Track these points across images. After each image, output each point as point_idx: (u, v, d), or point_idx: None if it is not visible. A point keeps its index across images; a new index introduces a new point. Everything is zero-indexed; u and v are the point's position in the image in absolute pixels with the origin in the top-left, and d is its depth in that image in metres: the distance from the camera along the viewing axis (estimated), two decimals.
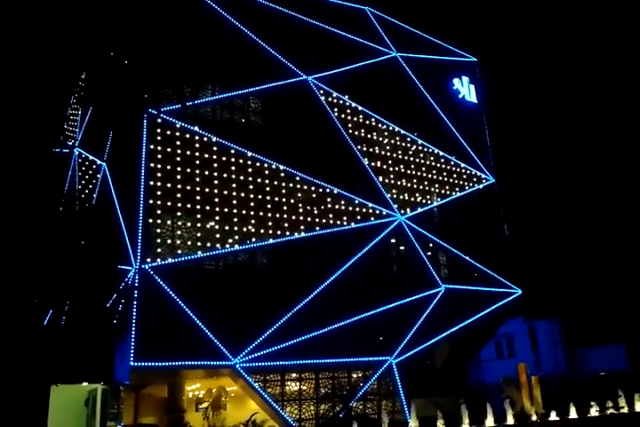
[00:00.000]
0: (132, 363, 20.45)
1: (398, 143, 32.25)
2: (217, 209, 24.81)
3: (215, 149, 25.37)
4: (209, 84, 26.76)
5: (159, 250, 22.97)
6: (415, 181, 32.11)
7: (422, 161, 33.04)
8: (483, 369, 34.46)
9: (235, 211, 25.13)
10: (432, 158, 33.38)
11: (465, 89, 36.73)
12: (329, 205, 27.73)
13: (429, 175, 32.89)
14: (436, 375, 29.18)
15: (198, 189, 24.45)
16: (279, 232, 25.74)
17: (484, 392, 24.69)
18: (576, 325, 39.07)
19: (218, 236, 24.47)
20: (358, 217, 28.34)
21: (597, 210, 48.66)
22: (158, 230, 23.27)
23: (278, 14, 30.18)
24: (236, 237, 24.79)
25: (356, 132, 30.29)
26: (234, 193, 25.31)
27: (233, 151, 25.76)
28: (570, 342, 37.83)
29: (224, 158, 25.46)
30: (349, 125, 30.09)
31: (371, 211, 28.92)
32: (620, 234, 47.17)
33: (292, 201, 27.17)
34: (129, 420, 22.12)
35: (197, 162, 24.73)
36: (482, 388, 28.35)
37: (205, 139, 25.24)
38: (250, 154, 26.08)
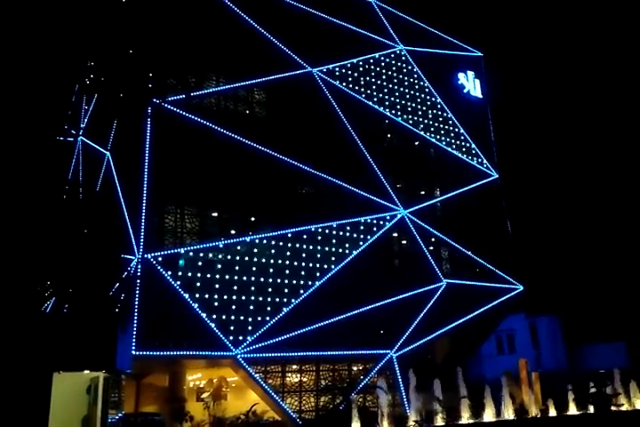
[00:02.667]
0: (133, 352, 20.50)
1: (402, 137, 32.17)
2: (220, 200, 24.81)
3: (219, 139, 25.33)
4: (213, 75, 26.72)
5: (161, 240, 22.99)
6: (418, 175, 32.06)
7: (426, 155, 32.98)
8: (483, 364, 34.41)
9: (238, 202, 25.11)
10: (436, 153, 33.31)
11: (470, 84, 36.63)
12: (332, 198, 27.68)
13: (433, 170, 32.83)
14: (436, 370, 29.18)
15: (201, 179, 24.43)
16: (281, 224, 25.69)
17: (484, 387, 24.64)
18: (577, 322, 39.04)
19: (220, 226, 24.46)
20: (361, 210, 28.28)
21: (600, 207, 48.56)
22: (161, 220, 23.28)
23: (284, 6, 30.06)
24: (239, 228, 24.79)
25: (360, 125, 30.18)
26: (236, 184, 25.29)
27: (236, 142, 25.70)
28: (571, 339, 37.80)
29: (227, 149, 25.40)
30: (353, 118, 29.98)
31: (374, 204, 28.87)
32: (622, 232, 47.09)
33: (296, 193, 27.15)
34: (130, 408, 22.18)
35: (201, 152, 24.69)
36: (482, 383, 28.27)
37: (209, 129, 25.18)
38: (254, 145, 26.03)
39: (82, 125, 29.76)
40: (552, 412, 25.58)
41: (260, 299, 23.96)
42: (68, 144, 29.03)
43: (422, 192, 31.84)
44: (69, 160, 29.21)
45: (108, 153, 26.39)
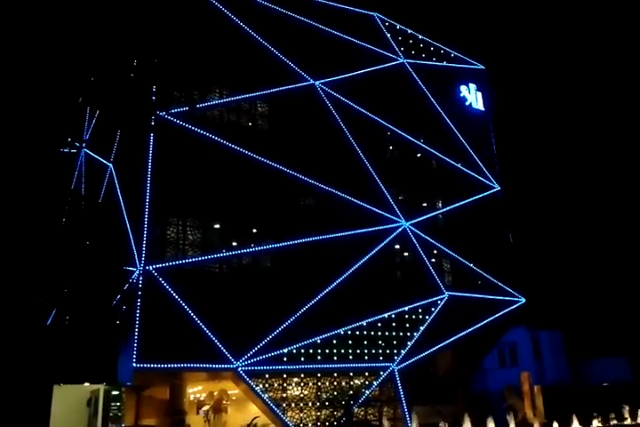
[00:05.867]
0: (134, 364, 20.43)
1: (404, 149, 32.26)
2: (222, 212, 24.87)
3: (222, 152, 25.43)
4: (217, 88, 26.88)
5: (164, 252, 23.02)
6: (420, 187, 32.10)
7: (428, 167, 33.03)
8: (485, 377, 34.20)
9: (240, 214, 25.15)
10: (437, 165, 33.37)
11: (472, 96, 36.77)
12: (334, 210, 27.71)
13: (435, 182, 32.86)
14: (438, 383, 29.04)
15: (204, 191, 24.51)
16: (283, 236, 25.71)
17: (487, 401, 24.50)
18: (580, 335, 38.83)
19: (222, 238, 24.48)
20: (363, 222, 28.27)
21: (603, 220, 48.52)
22: (163, 232, 23.32)
23: (287, 19, 30.30)
24: (241, 241, 24.81)
25: (363, 138, 30.28)
26: (239, 196, 25.36)
27: (239, 154, 25.81)
28: (573, 353, 37.58)
29: (230, 161, 25.50)
30: (355, 130, 30.09)
31: (375, 216, 28.87)
32: (625, 245, 46.99)
33: (298, 205, 27.20)
34: (130, 421, 22.07)
35: (203, 165, 24.79)
36: (484, 396, 28.13)
37: (212, 141, 25.29)
38: (256, 157, 26.13)
39: (85, 137, 29.95)
40: (555, 426, 25.41)
41: (262, 311, 23.87)
42: (71, 156, 29.19)
43: (424, 204, 31.84)
44: (72, 172, 29.35)
45: (110, 164, 26.51)
